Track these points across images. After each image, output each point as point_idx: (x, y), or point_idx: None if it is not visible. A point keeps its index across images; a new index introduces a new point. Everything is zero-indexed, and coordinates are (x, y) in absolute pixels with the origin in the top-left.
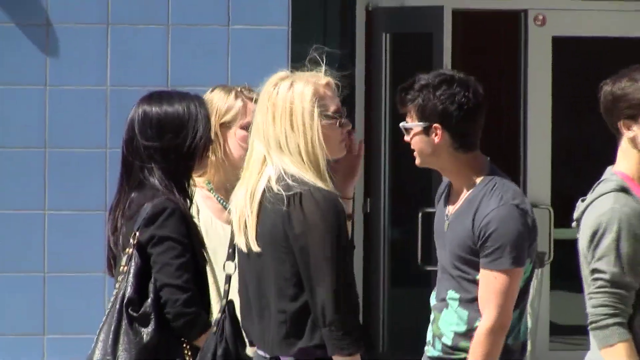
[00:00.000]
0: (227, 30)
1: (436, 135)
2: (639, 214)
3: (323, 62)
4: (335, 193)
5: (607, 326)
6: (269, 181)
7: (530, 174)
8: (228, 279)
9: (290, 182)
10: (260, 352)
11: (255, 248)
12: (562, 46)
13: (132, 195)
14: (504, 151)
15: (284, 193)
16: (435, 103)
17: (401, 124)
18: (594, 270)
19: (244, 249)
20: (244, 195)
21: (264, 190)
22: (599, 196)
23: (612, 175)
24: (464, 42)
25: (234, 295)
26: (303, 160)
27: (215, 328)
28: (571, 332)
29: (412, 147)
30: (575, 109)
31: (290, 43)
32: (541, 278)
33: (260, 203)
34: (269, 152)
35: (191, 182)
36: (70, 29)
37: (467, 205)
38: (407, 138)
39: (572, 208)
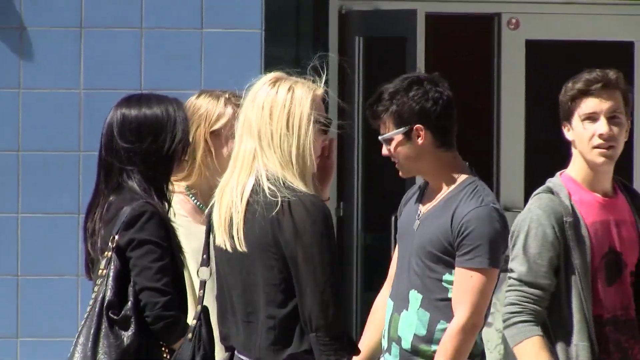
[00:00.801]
0: (200, 33)
1: (419, 136)
2: (554, 215)
3: (324, 72)
4: (322, 198)
5: (514, 324)
6: (257, 181)
7: (504, 177)
8: (203, 284)
9: (279, 186)
10: (244, 358)
11: (242, 249)
12: (535, 49)
13: (111, 198)
14: (477, 154)
15: (274, 199)
16: (411, 105)
17: (380, 137)
18: (509, 270)
19: (228, 249)
20: (231, 192)
21: (252, 190)
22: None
23: (554, 178)
24: (438, 46)
25: (209, 301)
26: (292, 162)
27: (190, 335)
28: None
29: (393, 158)
30: (548, 111)
31: (264, 46)
32: None
33: (248, 203)
34: (261, 147)
35: (170, 186)
36: (44, 33)
37: (444, 203)
38: (387, 151)
39: None
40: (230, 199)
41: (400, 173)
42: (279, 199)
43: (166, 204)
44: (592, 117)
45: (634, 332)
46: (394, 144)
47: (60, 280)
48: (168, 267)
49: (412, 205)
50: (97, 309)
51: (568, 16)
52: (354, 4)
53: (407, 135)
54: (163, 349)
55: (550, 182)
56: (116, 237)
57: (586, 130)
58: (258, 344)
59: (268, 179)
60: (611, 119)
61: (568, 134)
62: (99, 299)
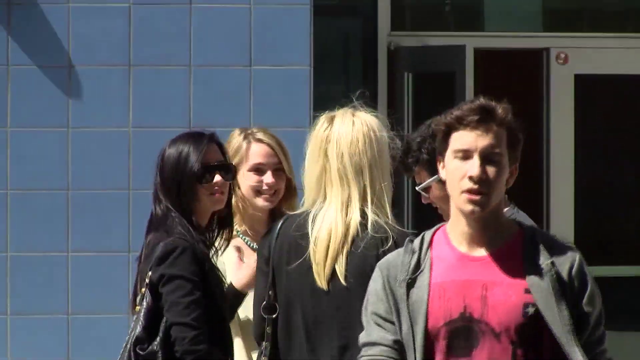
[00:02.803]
0: (249, 70)
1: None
2: (387, 271)
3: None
4: None
5: None
6: (362, 217)
7: (553, 213)
8: (270, 321)
9: (383, 223)
10: None
11: (343, 284)
12: (584, 84)
13: (150, 235)
14: (527, 190)
15: (381, 235)
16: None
17: (417, 188)
18: None
19: (321, 283)
20: (330, 228)
21: (357, 226)
22: None
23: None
24: (486, 81)
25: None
26: (387, 203)
27: None
28: None
29: (434, 205)
30: (598, 146)
31: (312, 83)
32: None
33: (353, 240)
34: (371, 184)
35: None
36: (92, 71)
37: None
38: (427, 199)
39: (597, 246)
40: (332, 237)
41: (444, 217)
42: (389, 235)
43: (207, 240)
44: (464, 155)
45: None
46: (431, 191)
47: (111, 318)
48: (199, 301)
49: None
50: (128, 346)
51: (617, 50)
52: (402, 40)
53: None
54: None
55: (426, 231)
56: (150, 273)
57: (457, 169)
58: None
59: (376, 215)
60: (488, 159)
61: (442, 172)
62: (132, 335)
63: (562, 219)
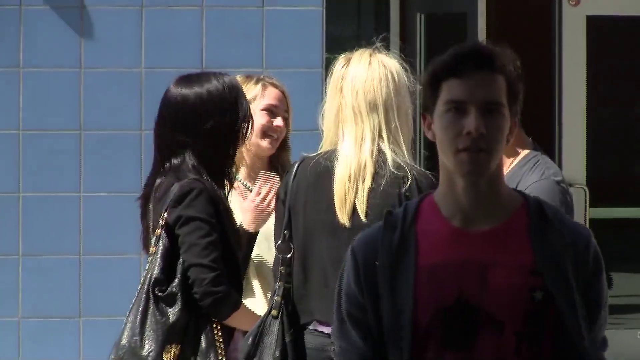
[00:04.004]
0: (261, 11)
1: None
2: (363, 254)
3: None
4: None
5: None
6: (381, 155)
7: (565, 153)
8: (284, 261)
9: (403, 162)
10: (326, 330)
11: (364, 221)
12: (596, 26)
13: (163, 176)
14: (539, 130)
15: (401, 174)
16: None
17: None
18: None
19: (343, 221)
20: (349, 166)
21: (377, 164)
22: None
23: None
24: (498, 22)
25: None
26: (405, 143)
27: (276, 312)
28: (613, 310)
29: None
30: (609, 88)
31: (325, 24)
32: None
33: (373, 178)
34: (387, 121)
35: (232, 165)
36: (104, 12)
37: (508, 178)
38: None
39: (607, 188)
40: (350, 173)
41: None
42: (408, 174)
43: (227, 183)
44: (458, 107)
45: None
46: None
47: (123, 259)
48: (216, 243)
49: None
50: (145, 287)
51: None
52: None
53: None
54: (214, 325)
55: (408, 202)
56: (165, 214)
57: (450, 125)
58: None
59: (394, 152)
60: (487, 111)
61: (429, 132)
62: (148, 276)
63: (574, 162)
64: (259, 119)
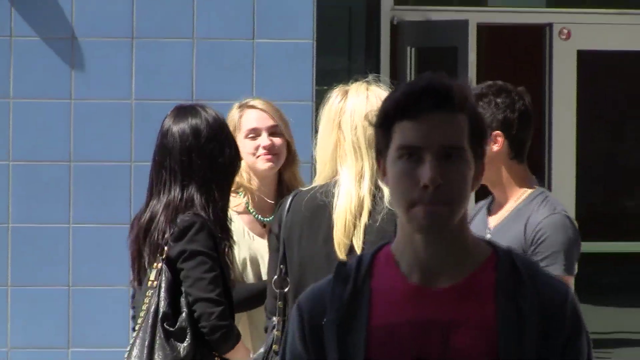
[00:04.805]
0: (252, 43)
1: (496, 143)
2: (309, 313)
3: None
4: None
5: None
6: (377, 192)
7: (555, 187)
8: (282, 296)
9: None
10: None
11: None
12: (587, 60)
13: (159, 207)
14: (529, 164)
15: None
16: (494, 111)
17: None
18: None
19: (340, 253)
20: (350, 202)
21: (374, 200)
22: None
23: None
24: (489, 56)
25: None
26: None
27: (277, 347)
28: (596, 345)
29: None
30: (600, 121)
31: (315, 56)
32: None
33: (370, 214)
34: (372, 161)
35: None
36: (95, 43)
37: (515, 214)
38: None
39: (598, 221)
40: (351, 208)
41: (490, 187)
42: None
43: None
44: (412, 154)
45: None
46: None
47: (112, 290)
48: (219, 277)
49: (479, 220)
50: (150, 321)
51: (620, 26)
52: (405, 15)
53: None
54: (216, 358)
55: (364, 253)
56: (165, 248)
57: (404, 174)
58: None
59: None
60: (446, 157)
61: (384, 179)
62: (152, 310)
63: (563, 195)
64: (244, 147)
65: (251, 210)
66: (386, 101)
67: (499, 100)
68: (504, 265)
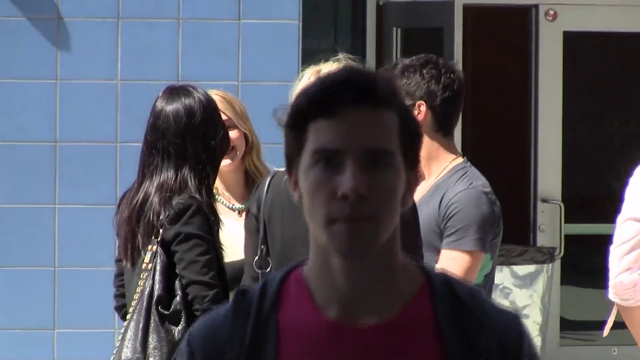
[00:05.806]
0: (238, 24)
1: (419, 113)
2: (202, 351)
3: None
4: None
5: None
6: None
7: (541, 169)
8: (263, 277)
9: None
10: None
11: None
12: (573, 41)
13: (151, 190)
14: (515, 145)
15: None
16: (418, 81)
17: None
18: None
19: None
20: None
21: None
22: None
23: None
24: (475, 37)
25: None
26: None
27: None
28: (582, 327)
29: None
30: (586, 103)
31: (301, 38)
32: (552, 273)
33: None
34: None
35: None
36: (81, 23)
37: (434, 189)
38: None
39: (583, 203)
40: None
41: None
42: None
43: (210, 198)
44: (330, 160)
45: None
46: None
47: (97, 271)
48: (213, 260)
49: None
50: (144, 304)
51: (606, 7)
52: None
53: None
54: None
55: (269, 275)
56: (161, 230)
57: (320, 184)
58: None
59: None
60: (372, 164)
61: (295, 193)
62: (146, 293)
63: (549, 178)
64: None
65: (220, 199)
66: (299, 97)
67: (424, 70)
68: (443, 295)
